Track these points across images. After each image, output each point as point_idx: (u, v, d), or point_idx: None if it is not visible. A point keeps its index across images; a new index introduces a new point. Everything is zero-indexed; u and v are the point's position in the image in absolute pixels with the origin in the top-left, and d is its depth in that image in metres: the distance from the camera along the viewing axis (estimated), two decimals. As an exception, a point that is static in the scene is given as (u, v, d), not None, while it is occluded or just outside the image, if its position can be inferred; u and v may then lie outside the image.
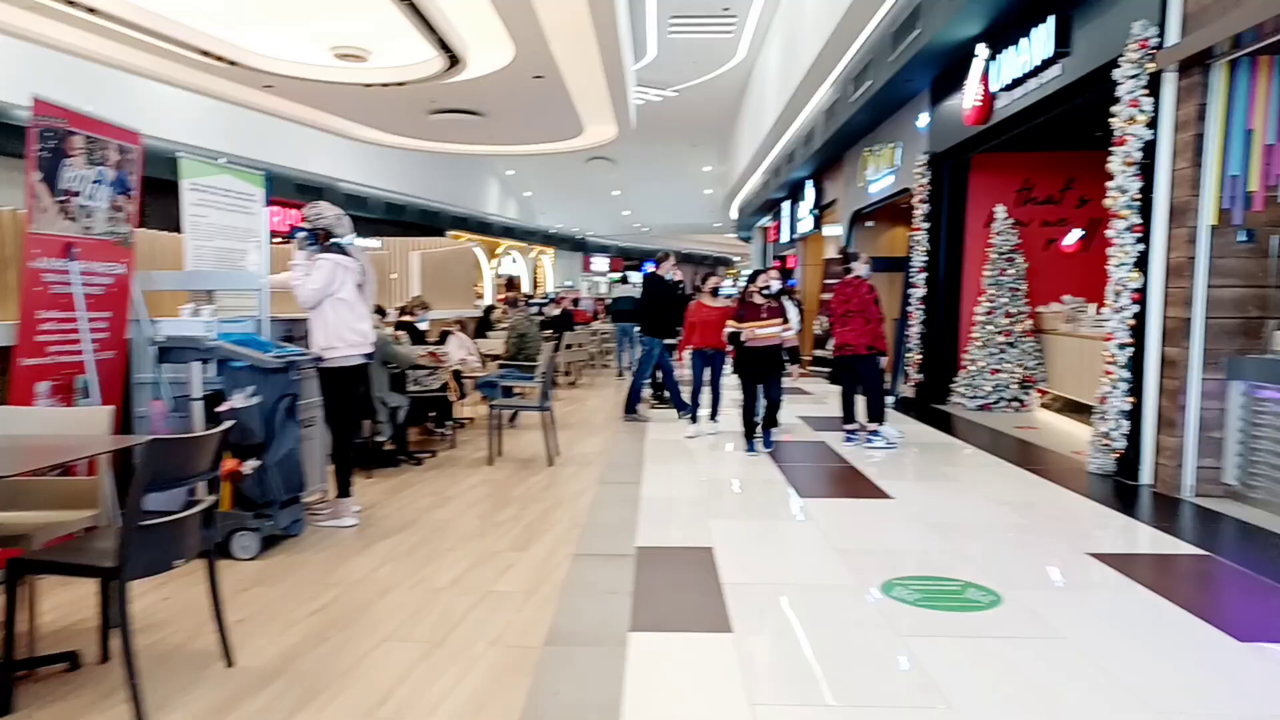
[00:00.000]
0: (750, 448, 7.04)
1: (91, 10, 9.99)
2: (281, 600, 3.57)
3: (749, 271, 27.04)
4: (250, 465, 4.12)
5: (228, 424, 2.80)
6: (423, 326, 7.87)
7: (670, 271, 9.05)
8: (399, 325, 8.01)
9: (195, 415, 4.13)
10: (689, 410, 8.09)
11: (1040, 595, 3.64)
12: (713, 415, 8.04)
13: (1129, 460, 5.86)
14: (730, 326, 7.09)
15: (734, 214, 28.47)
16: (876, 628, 3.30)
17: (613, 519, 4.94)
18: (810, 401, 10.69)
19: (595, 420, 8.99)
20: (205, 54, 11.82)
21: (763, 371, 7.07)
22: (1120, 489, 5.69)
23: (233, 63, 12.33)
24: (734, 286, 10.13)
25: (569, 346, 12.18)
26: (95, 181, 3.98)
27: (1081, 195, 10.04)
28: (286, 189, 18.67)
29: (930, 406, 9.81)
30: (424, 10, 9.96)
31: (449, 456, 6.90)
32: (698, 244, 43.85)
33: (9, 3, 9.59)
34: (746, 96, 20.11)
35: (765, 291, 7.05)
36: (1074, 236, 9.94)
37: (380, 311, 6.67)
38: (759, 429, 7.16)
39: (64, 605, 3.43)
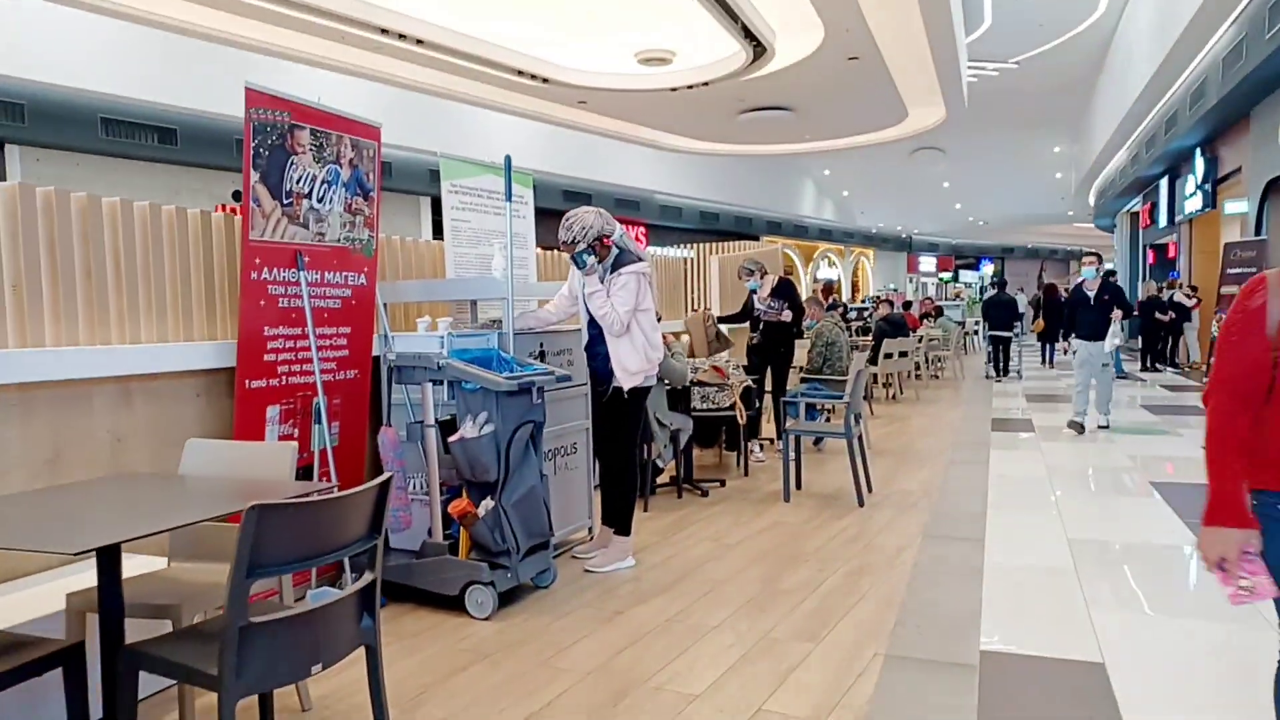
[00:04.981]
0: None
1: (420, 42, 10.57)
2: (493, 695, 2.80)
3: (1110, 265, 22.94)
4: (485, 506, 3.46)
5: (382, 479, 2.05)
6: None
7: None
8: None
9: (429, 445, 3.57)
10: None
11: None
12: None
13: None
14: None
15: (1092, 200, 24.48)
16: None
17: (943, 599, 3.62)
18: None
19: (920, 446, 7.51)
20: (520, 73, 12.17)
21: None
22: None
23: (546, 80, 12.59)
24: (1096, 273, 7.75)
25: (889, 355, 10.68)
26: (327, 182, 3.57)
27: None
28: (607, 203, 19.12)
29: None
30: (726, -2, 9.21)
31: (739, 487, 5.93)
32: (1045, 238, 38.97)
33: (349, 44, 10.42)
34: (1108, 60, 16.91)
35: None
36: None
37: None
38: None
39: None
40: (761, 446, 6.97)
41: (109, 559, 2.01)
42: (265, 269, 3.33)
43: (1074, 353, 8.12)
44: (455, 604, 3.47)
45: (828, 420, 7.63)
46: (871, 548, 4.39)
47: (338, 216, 3.66)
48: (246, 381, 3.30)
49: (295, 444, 2.64)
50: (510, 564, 3.48)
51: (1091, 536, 4.52)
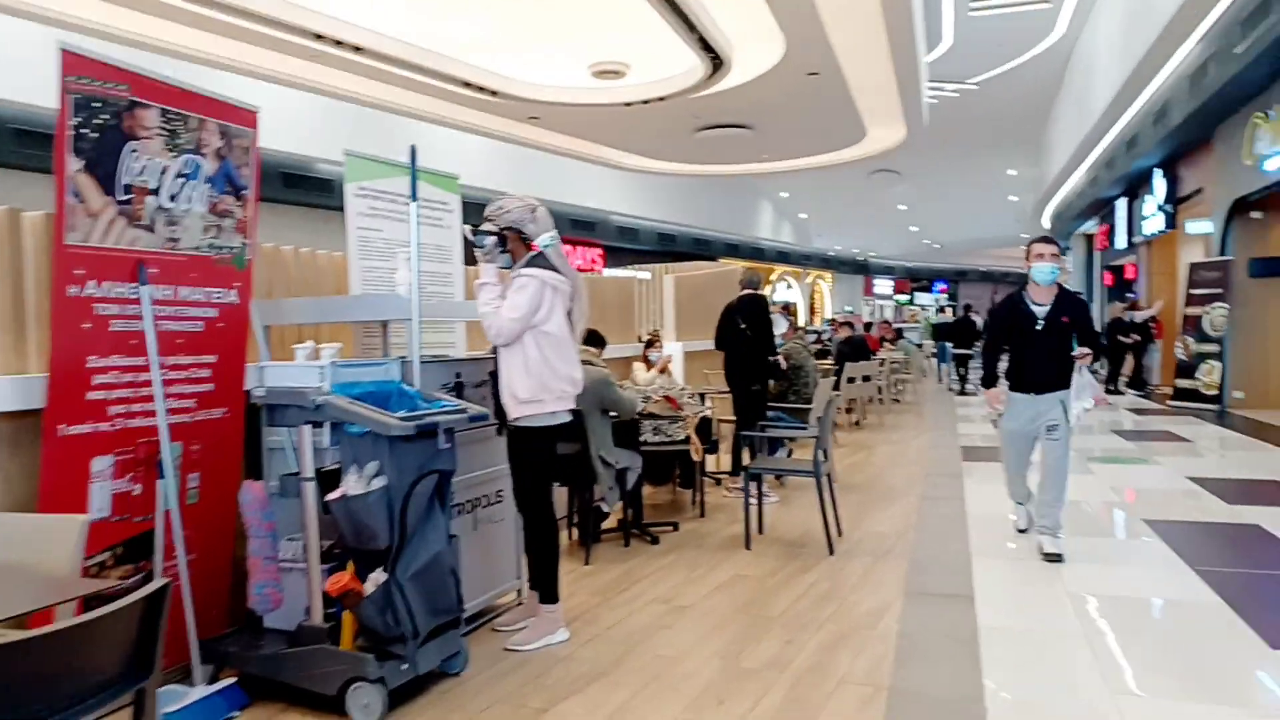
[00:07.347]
0: None
1: (358, 49, 9.90)
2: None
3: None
4: (374, 581, 2.77)
5: (151, 589, 1.38)
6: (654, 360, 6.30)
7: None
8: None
9: (306, 502, 2.87)
10: None
11: None
12: None
13: None
14: None
15: (1046, 222, 24.50)
16: None
17: (938, 680, 3.01)
18: (1186, 453, 7.79)
19: (889, 478, 6.95)
20: (468, 85, 11.55)
21: None
22: None
23: (495, 93, 11.99)
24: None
25: (851, 380, 10.16)
26: (183, 175, 2.89)
27: None
28: (562, 224, 18.44)
29: None
30: (683, 6, 8.71)
31: (695, 531, 5.29)
32: (999, 260, 39.19)
33: (285, 52, 9.72)
34: (1067, 80, 16.81)
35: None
36: None
37: (596, 341, 5.17)
38: None
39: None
40: (718, 481, 6.33)
41: None
42: (90, 282, 2.63)
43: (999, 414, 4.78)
44: (335, 704, 2.77)
45: (790, 453, 7.04)
46: (847, 609, 3.77)
47: (198, 219, 2.97)
48: (59, 427, 2.59)
49: (84, 518, 1.95)
50: (406, 652, 2.79)
51: (1093, 590, 3.96)
